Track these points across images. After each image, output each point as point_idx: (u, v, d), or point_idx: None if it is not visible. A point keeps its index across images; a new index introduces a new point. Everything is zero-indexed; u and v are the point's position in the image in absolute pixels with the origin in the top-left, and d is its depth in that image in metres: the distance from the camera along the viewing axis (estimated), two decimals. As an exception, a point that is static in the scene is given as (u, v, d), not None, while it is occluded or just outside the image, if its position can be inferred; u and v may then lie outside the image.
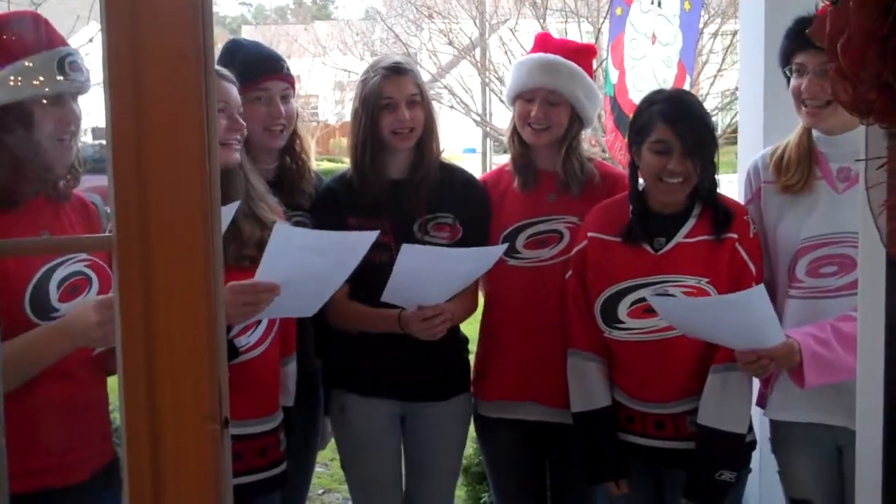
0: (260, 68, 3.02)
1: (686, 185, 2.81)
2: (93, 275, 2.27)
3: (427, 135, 3.06)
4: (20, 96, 2.13)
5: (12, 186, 2.14)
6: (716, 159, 2.86)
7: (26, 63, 2.13)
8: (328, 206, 3.08)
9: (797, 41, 2.78)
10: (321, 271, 2.59)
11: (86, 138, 2.36)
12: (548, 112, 3.12)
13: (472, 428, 3.33)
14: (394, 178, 3.08)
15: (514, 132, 3.22)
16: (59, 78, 2.14)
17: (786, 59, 2.85)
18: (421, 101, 3.03)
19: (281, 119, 3.03)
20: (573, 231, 3.10)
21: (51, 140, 2.18)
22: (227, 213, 2.41)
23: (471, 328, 3.30)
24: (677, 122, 2.77)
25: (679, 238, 2.86)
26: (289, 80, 3.11)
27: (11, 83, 2.11)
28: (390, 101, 2.99)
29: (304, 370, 2.97)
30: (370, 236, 2.60)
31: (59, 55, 2.15)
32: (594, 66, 3.23)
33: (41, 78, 2.13)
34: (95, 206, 2.41)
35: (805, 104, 2.80)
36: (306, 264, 2.51)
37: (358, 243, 2.61)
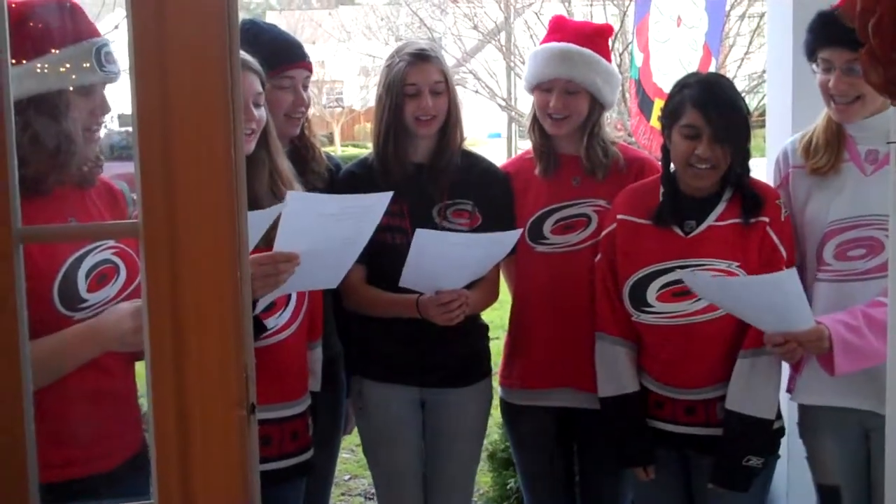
0: (286, 56, 3.03)
1: (715, 171, 2.79)
2: (120, 263, 2.27)
3: (450, 122, 3.06)
4: (57, 86, 2.14)
5: (46, 174, 2.15)
6: (749, 145, 2.84)
7: (64, 53, 2.14)
8: (349, 190, 3.07)
9: (821, 36, 2.75)
10: (339, 237, 2.58)
11: (112, 125, 2.37)
12: (566, 102, 3.10)
13: (498, 413, 3.32)
14: (416, 163, 3.08)
15: (535, 121, 3.21)
16: (96, 69, 2.15)
17: (810, 52, 2.83)
18: (446, 89, 3.03)
19: (302, 107, 3.06)
20: (601, 214, 3.08)
21: (82, 129, 2.19)
22: (269, 216, 2.42)
23: (493, 315, 3.29)
24: (707, 107, 2.75)
25: (710, 221, 2.84)
26: (310, 68, 3.14)
27: (49, 72, 2.12)
28: (414, 87, 2.98)
29: (326, 355, 2.98)
30: (385, 197, 2.59)
31: (95, 46, 2.16)
32: (619, 50, 3.22)
33: (78, 68, 2.14)
34: (122, 192, 2.41)
35: (834, 100, 2.78)
36: (324, 231, 2.50)
37: (373, 205, 2.60)
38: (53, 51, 2.14)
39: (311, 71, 3.13)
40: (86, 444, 2.23)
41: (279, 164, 2.71)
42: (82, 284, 2.19)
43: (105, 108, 2.23)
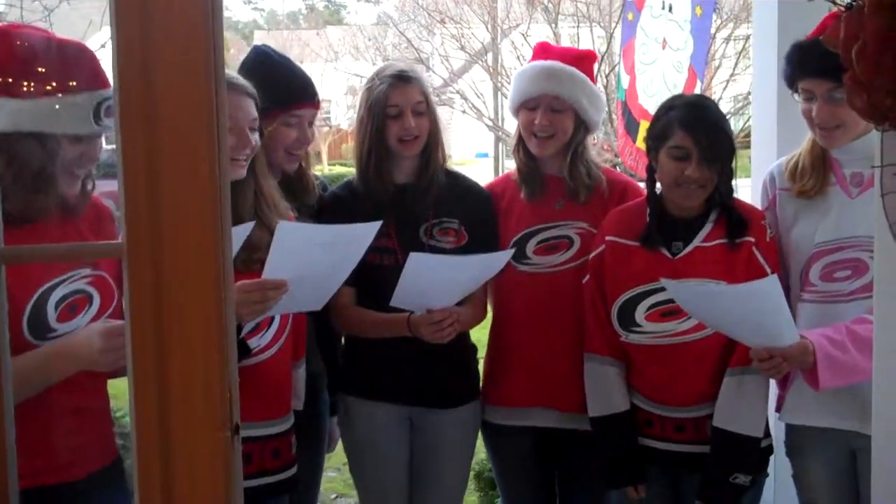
0: (298, 95, 3.02)
1: (703, 191, 2.81)
2: (94, 292, 2.24)
3: (432, 142, 3.08)
4: (51, 129, 2.12)
5: (23, 209, 2.13)
6: (733, 165, 2.86)
7: (66, 99, 2.12)
8: (334, 212, 3.08)
9: (799, 67, 2.78)
10: (327, 265, 2.61)
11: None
12: (552, 119, 3.11)
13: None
14: (399, 184, 3.09)
15: (519, 143, 3.22)
16: (92, 122, 2.13)
17: (790, 82, 2.85)
18: (426, 109, 3.05)
19: (305, 144, 3.05)
20: (583, 236, 3.10)
21: (69, 171, 2.18)
22: (242, 232, 2.42)
23: (482, 333, 3.28)
24: (696, 129, 2.77)
25: (696, 242, 2.86)
26: (318, 106, 3.13)
27: (47, 113, 2.10)
28: (396, 108, 3.00)
29: (307, 373, 2.97)
30: (373, 227, 2.62)
31: (98, 99, 2.13)
32: (607, 71, 3.25)
33: (76, 118, 2.11)
34: (109, 210, 2.40)
35: (819, 127, 2.80)
36: (312, 259, 2.52)
37: (362, 235, 2.63)
38: (58, 94, 2.12)
39: (318, 108, 3.12)
40: (48, 455, 2.20)
41: (264, 185, 2.72)
42: (52, 314, 2.16)
43: (94, 158, 2.21)
